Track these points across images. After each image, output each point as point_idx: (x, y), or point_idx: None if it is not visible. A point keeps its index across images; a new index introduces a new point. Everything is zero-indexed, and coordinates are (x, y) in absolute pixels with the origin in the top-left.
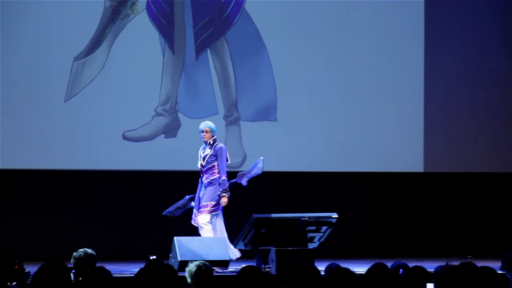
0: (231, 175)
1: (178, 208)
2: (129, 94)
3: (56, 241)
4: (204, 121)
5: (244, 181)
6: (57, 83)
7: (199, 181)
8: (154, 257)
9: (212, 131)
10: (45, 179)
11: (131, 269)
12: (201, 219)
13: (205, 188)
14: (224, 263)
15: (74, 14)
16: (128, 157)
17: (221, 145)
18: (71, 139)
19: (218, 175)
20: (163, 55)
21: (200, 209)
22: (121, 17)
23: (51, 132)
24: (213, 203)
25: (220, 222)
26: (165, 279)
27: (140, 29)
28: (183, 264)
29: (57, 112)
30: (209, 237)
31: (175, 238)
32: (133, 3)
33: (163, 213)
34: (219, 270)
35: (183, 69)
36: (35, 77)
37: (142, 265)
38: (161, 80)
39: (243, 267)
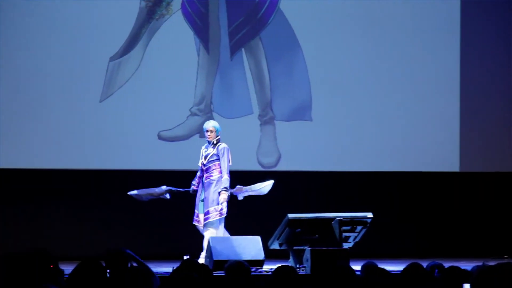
0: (265, 174)
1: (149, 194)
2: (164, 94)
3: (94, 241)
4: (208, 121)
5: (240, 196)
6: (93, 83)
7: (199, 180)
8: (188, 256)
9: (217, 131)
10: (83, 178)
11: (163, 269)
12: (209, 224)
13: (206, 189)
14: (259, 263)
15: (109, 14)
16: (163, 157)
17: (224, 145)
18: (107, 139)
19: (219, 175)
20: (198, 55)
21: (208, 215)
22: (156, 17)
23: (86, 132)
24: (220, 207)
25: (222, 225)
26: (200, 279)
27: (175, 29)
28: (218, 263)
29: (93, 112)
30: (243, 237)
31: (210, 237)
32: (168, 3)
33: (128, 193)
34: (254, 270)
35: (218, 68)
36: (71, 77)
37: (174, 265)
38: (196, 80)
39: (278, 266)
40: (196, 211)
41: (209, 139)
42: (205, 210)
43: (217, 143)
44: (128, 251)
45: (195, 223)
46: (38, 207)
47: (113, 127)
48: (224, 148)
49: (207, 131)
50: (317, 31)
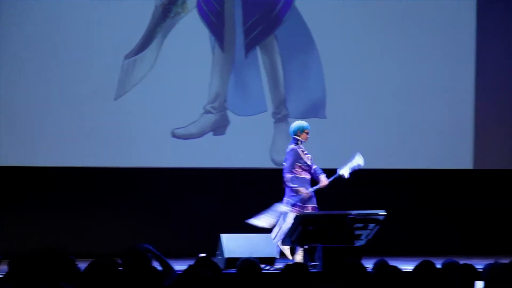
0: (278, 172)
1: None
2: (179, 92)
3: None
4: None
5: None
6: (108, 81)
7: (307, 178)
8: (204, 254)
9: None
10: (96, 176)
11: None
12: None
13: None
14: (270, 260)
15: (124, 12)
16: (177, 155)
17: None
18: (121, 136)
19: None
20: (213, 53)
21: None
22: (172, 15)
23: (100, 130)
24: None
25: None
26: (211, 277)
27: (190, 27)
28: (230, 261)
29: (108, 110)
30: (255, 234)
31: (221, 235)
32: (184, 2)
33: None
34: (266, 267)
35: (233, 66)
36: (84, 75)
37: (190, 263)
38: (211, 78)
39: (288, 264)
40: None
41: (305, 140)
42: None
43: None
44: (147, 245)
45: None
46: (54, 206)
47: (127, 125)
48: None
49: (308, 133)
50: (332, 30)
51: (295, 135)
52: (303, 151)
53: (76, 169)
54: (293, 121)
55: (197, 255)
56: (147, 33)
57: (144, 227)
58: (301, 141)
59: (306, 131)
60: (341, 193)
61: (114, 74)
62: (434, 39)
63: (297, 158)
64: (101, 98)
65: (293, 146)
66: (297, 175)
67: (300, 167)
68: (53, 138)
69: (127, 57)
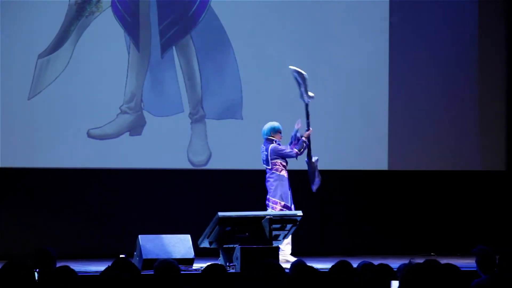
0: (195, 172)
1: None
2: (94, 92)
3: (19, 240)
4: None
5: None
6: (21, 81)
7: (286, 177)
8: (124, 255)
9: None
10: (5, 177)
11: (101, 268)
12: None
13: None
14: (189, 261)
15: (38, 11)
16: (92, 155)
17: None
18: (35, 137)
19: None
20: (128, 53)
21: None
22: (86, 14)
23: (14, 130)
24: (283, 202)
25: None
26: (128, 278)
27: (105, 26)
28: (147, 262)
29: (21, 110)
30: (173, 235)
31: (139, 236)
32: (98, 1)
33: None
34: (183, 268)
35: (149, 67)
36: None
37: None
38: (126, 78)
39: (208, 265)
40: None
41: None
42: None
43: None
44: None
45: None
46: None
47: (41, 124)
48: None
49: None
50: (247, 30)
51: (269, 136)
52: None
53: None
54: (210, 122)
55: (116, 256)
56: (61, 32)
57: (59, 228)
58: (275, 141)
59: (279, 131)
60: (258, 194)
61: (28, 74)
62: (349, 36)
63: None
64: (14, 97)
65: (273, 144)
66: (278, 173)
67: (281, 164)
68: None
69: (40, 56)
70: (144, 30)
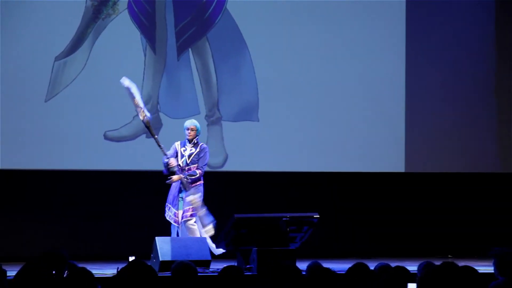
0: (212, 175)
1: (134, 99)
2: (111, 94)
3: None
4: (189, 119)
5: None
6: (39, 83)
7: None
8: (133, 257)
9: (197, 130)
10: (23, 178)
11: (112, 270)
12: (189, 221)
13: (187, 188)
14: (206, 263)
15: (55, 14)
16: (109, 157)
17: (205, 145)
18: (52, 139)
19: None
20: (145, 55)
21: (187, 213)
22: (103, 16)
23: (31, 132)
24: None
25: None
26: (146, 280)
27: (121, 29)
28: (165, 264)
29: (38, 112)
30: (190, 237)
31: (156, 238)
32: (115, 3)
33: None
34: (200, 270)
35: (165, 69)
36: (16, 76)
37: (121, 266)
38: (142, 80)
39: (225, 267)
40: (174, 209)
41: (190, 138)
42: (187, 208)
43: (197, 142)
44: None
45: (170, 220)
46: None
47: (58, 127)
48: (206, 147)
49: (188, 129)
50: (264, 32)
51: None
52: None
53: (6, 172)
54: (227, 124)
55: (133, 258)
56: (78, 35)
57: (75, 230)
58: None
59: (186, 128)
60: (274, 196)
61: (45, 76)
62: (366, 38)
63: None
64: (31, 99)
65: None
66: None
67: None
68: None
69: (57, 58)
70: (161, 32)
